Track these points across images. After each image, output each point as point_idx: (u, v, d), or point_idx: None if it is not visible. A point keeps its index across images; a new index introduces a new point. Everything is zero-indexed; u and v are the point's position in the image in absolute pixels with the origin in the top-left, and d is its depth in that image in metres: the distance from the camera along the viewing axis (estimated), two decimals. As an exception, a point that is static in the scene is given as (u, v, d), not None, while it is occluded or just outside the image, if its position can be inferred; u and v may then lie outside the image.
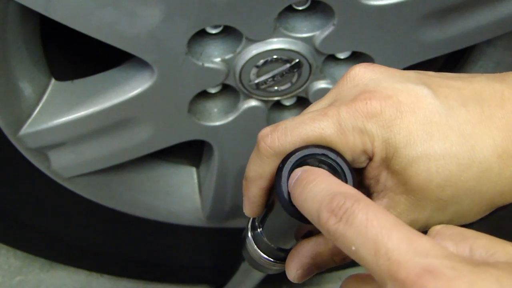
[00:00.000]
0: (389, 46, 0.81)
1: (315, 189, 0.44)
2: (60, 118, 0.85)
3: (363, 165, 0.53)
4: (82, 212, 1.03)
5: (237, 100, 0.87)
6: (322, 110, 0.52)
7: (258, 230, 0.60)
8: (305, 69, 0.81)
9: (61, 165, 0.92)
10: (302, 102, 0.90)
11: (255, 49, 0.78)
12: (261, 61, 0.79)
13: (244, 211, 0.58)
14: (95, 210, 1.02)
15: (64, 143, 0.89)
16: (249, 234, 0.62)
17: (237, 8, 0.72)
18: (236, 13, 0.73)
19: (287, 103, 0.90)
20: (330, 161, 0.51)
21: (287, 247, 0.58)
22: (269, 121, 0.89)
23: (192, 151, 1.06)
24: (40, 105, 0.86)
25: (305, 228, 0.54)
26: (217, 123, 0.89)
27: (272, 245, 0.59)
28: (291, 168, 0.51)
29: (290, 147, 0.52)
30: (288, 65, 0.81)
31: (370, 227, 0.39)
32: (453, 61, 0.97)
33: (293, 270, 0.55)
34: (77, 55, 0.95)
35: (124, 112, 0.85)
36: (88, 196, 1.00)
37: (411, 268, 0.37)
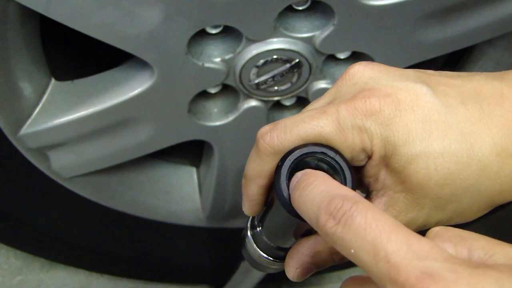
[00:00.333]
0: (389, 46, 0.81)
1: (314, 191, 0.44)
2: (60, 118, 0.85)
3: (362, 163, 0.53)
4: (82, 212, 1.03)
5: (237, 100, 0.87)
6: (321, 108, 0.52)
7: (258, 229, 0.60)
8: (305, 69, 0.81)
9: (61, 165, 0.92)
10: (302, 102, 0.90)
11: (255, 49, 0.78)
12: (261, 61, 0.79)
13: (243, 209, 0.58)
14: (95, 210, 1.02)
15: (64, 143, 0.89)
16: (249, 233, 0.62)
17: (237, 8, 0.72)
18: (236, 13, 0.73)
19: (287, 103, 0.90)
20: (329, 160, 0.51)
21: (286, 246, 0.58)
22: (269, 121, 0.89)
23: (192, 151, 1.06)
24: (40, 105, 0.86)
25: (304, 227, 0.54)
26: (217, 123, 0.89)
27: (272, 244, 0.59)
28: (290, 166, 0.51)
29: (289, 145, 0.52)
30: (288, 65, 0.81)
31: (369, 229, 0.39)
32: (453, 61, 0.97)
33: (292, 268, 0.55)
34: (77, 55, 0.95)
35: (124, 112, 0.85)
36: (88, 196, 1.00)
37: (410, 271, 0.36)
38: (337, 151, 0.51)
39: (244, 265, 0.70)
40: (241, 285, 0.86)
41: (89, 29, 0.73)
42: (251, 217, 0.62)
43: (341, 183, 0.51)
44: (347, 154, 0.52)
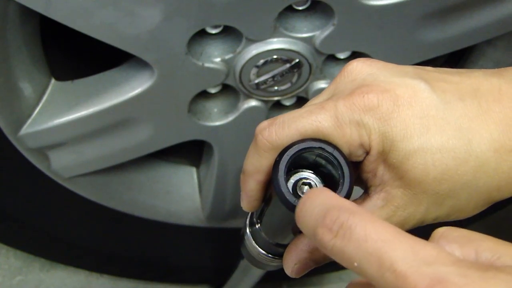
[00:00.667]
0: (389, 46, 0.81)
1: (310, 205, 0.43)
2: (60, 118, 0.85)
3: (360, 158, 0.53)
4: (82, 212, 1.03)
5: (237, 100, 0.87)
6: (319, 104, 0.52)
7: (256, 226, 0.60)
8: (305, 69, 0.81)
9: (61, 165, 0.92)
10: (302, 102, 0.90)
11: (255, 49, 0.78)
12: (261, 61, 0.79)
13: (241, 205, 0.58)
14: (95, 210, 1.02)
15: (64, 143, 0.89)
16: (247, 231, 0.62)
17: (237, 8, 0.72)
18: (236, 13, 0.73)
19: (287, 103, 0.90)
20: (327, 155, 0.51)
21: (285, 242, 0.58)
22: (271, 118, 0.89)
23: (192, 151, 1.06)
24: (40, 105, 0.86)
25: None
26: (217, 123, 0.89)
27: (270, 241, 0.59)
28: (288, 161, 0.51)
29: (287, 141, 0.52)
30: (288, 65, 0.81)
31: (370, 241, 0.38)
32: (453, 61, 0.97)
33: (291, 264, 0.55)
34: (77, 55, 0.95)
35: (124, 112, 0.85)
36: (88, 196, 1.00)
37: (419, 279, 0.35)
38: (335, 146, 0.51)
39: (243, 263, 0.70)
40: (241, 284, 0.86)
41: (89, 29, 0.73)
42: (249, 215, 0.62)
43: (339, 178, 0.51)
44: (345, 150, 0.52)
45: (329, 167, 0.52)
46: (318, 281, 1.30)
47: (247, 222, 0.62)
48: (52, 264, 1.23)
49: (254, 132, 0.53)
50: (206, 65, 0.79)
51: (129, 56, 0.80)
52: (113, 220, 1.04)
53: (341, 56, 0.84)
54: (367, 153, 0.52)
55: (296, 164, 0.52)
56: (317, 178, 0.53)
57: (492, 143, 0.51)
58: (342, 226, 0.39)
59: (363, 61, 0.55)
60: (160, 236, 1.10)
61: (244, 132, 0.90)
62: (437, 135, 0.50)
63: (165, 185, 1.06)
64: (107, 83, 0.85)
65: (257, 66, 0.80)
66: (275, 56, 0.79)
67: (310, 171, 0.53)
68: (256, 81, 0.82)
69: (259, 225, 0.60)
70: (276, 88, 0.84)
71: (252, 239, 0.61)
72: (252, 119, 0.88)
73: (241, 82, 0.82)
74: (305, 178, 0.53)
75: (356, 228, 0.38)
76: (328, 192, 0.44)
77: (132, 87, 0.83)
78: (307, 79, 0.83)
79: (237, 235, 0.65)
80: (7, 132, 0.84)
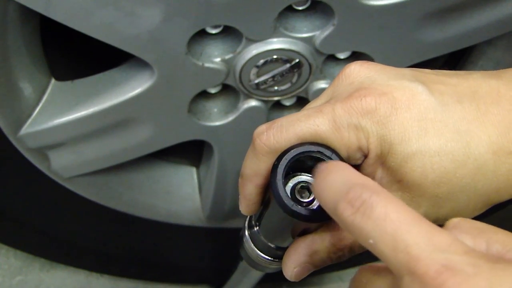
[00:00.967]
0: (389, 46, 0.81)
1: (333, 179, 0.43)
2: (60, 118, 0.85)
3: (359, 162, 0.53)
4: (82, 212, 1.03)
5: (237, 100, 0.87)
6: (317, 108, 0.52)
7: (255, 228, 0.60)
8: (305, 69, 0.81)
9: (61, 165, 0.92)
10: (302, 102, 0.90)
11: (255, 49, 0.78)
12: (261, 61, 0.79)
13: (240, 208, 0.58)
14: (95, 210, 1.02)
15: (64, 143, 0.89)
16: (246, 233, 0.62)
17: (237, 8, 0.72)
18: (236, 13, 0.73)
19: (287, 103, 0.90)
20: (325, 158, 0.51)
21: (284, 245, 0.58)
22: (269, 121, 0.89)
23: (192, 151, 1.06)
24: (40, 105, 0.86)
25: (302, 226, 0.54)
26: (217, 123, 0.89)
27: (269, 244, 0.59)
28: (286, 165, 0.51)
29: (285, 145, 0.52)
30: (288, 65, 0.81)
31: (389, 221, 0.38)
32: (453, 61, 0.97)
33: (290, 268, 0.55)
34: (77, 55, 0.95)
35: (124, 112, 0.85)
36: (88, 196, 1.00)
37: (430, 264, 0.36)
38: (333, 150, 0.51)
39: (242, 265, 0.70)
40: (240, 285, 0.85)
41: (89, 29, 0.73)
42: (248, 217, 0.62)
43: None
44: (343, 153, 0.52)
45: None
46: (318, 281, 1.30)
47: (246, 224, 0.62)
48: (52, 264, 1.23)
49: (252, 135, 0.53)
50: (206, 65, 0.79)
51: (129, 56, 0.80)
52: (113, 220, 1.04)
53: (341, 56, 0.84)
54: (365, 156, 0.52)
55: (295, 167, 0.52)
56: None
57: (491, 146, 0.51)
58: (364, 203, 0.39)
59: (361, 64, 0.55)
60: (160, 236, 1.10)
61: (244, 132, 0.90)
62: (435, 138, 0.50)
63: (165, 185, 1.06)
64: (107, 83, 0.85)
65: (257, 66, 0.80)
66: (275, 56, 0.79)
67: (309, 175, 0.53)
68: (256, 81, 0.82)
69: (257, 227, 0.60)
70: (276, 88, 0.84)
71: (251, 242, 0.61)
72: (252, 119, 0.88)
73: (241, 82, 0.82)
74: (304, 181, 0.53)
75: (377, 207, 0.39)
76: (351, 169, 0.44)
77: (132, 87, 0.83)
78: (307, 79, 0.83)
79: (237, 235, 0.65)
80: (7, 132, 0.84)
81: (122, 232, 1.09)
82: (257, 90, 0.84)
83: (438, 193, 0.51)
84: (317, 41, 0.78)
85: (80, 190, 0.98)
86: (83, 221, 1.06)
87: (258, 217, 0.59)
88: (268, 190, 0.55)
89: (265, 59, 0.79)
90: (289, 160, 0.51)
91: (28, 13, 0.75)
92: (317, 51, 0.80)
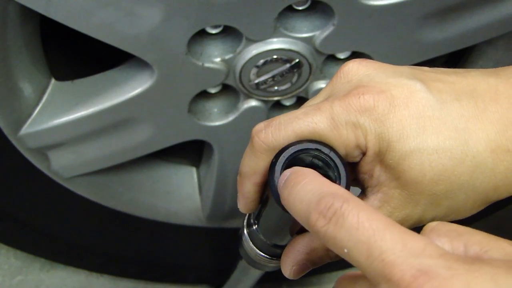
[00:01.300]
0: (389, 46, 0.81)
1: (303, 190, 0.43)
2: (60, 118, 0.85)
3: (357, 159, 0.53)
4: (82, 212, 1.03)
5: (237, 100, 0.87)
6: (315, 105, 0.52)
7: (254, 227, 0.60)
8: (305, 69, 0.81)
9: (61, 165, 0.92)
10: (302, 102, 0.89)
11: (255, 49, 0.78)
12: (261, 61, 0.79)
13: (238, 207, 0.58)
14: (95, 210, 1.02)
15: (64, 143, 0.89)
16: (245, 231, 0.62)
17: (237, 8, 0.72)
18: (236, 13, 0.73)
19: (287, 103, 0.90)
20: (323, 156, 0.51)
21: (282, 243, 0.58)
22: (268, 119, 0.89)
23: (192, 151, 1.06)
24: (40, 105, 0.86)
25: (300, 224, 0.54)
26: (217, 123, 0.89)
27: (268, 242, 0.59)
28: (284, 163, 0.51)
29: (283, 142, 0.52)
30: (288, 65, 0.81)
31: (362, 229, 0.38)
32: (453, 61, 0.97)
33: (288, 266, 0.55)
34: (77, 55, 0.95)
35: (124, 112, 0.85)
36: (88, 196, 1.00)
37: (406, 269, 0.36)
38: (331, 148, 0.51)
39: (242, 264, 0.70)
40: (239, 284, 0.85)
41: (89, 29, 0.73)
42: (247, 215, 0.62)
43: (335, 179, 0.51)
44: (341, 151, 0.52)
45: (326, 168, 0.52)
46: (318, 281, 1.30)
47: (245, 223, 0.62)
48: (52, 264, 1.23)
49: (251, 133, 0.53)
50: (206, 65, 0.79)
51: (129, 56, 0.80)
52: (113, 220, 1.04)
53: (341, 56, 0.84)
54: (364, 154, 0.52)
55: (293, 165, 0.52)
56: None
57: (489, 143, 0.51)
58: (336, 212, 0.40)
59: (359, 62, 0.55)
60: (160, 236, 1.10)
61: (244, 132, 0.89)
62: (433, 136, 0.50)
63: (165, 185, 1.06)
64: (107, 83, 0.85)
65: (257, 66, 0.80)
66: (275, 56, 0.79)
67: None
68: (256, 81, 0.82)
69: (256, 226, 0.60)
70: (276, 88, 0.84)
71: (249, 240, 0.61)
72: (252, 119, 0.88)
73: (241, 82, 0.82)
74: None
75: (349, 216, 0.39)
76: (318, 176, 0.45)
77: (132, 87, 0.83)
78: (307, 79, 0.83)
79: (237, 235, 0.65)
80: (7, 132, 0.84)
81: (122, 232, 1.09)
82: (257, 90, 0.84)
83: (436, 191, 0.51)
84: (317, 41, 0.78)
85: (80, 190, 0.98)
86: (83, 221, 1.06)
87: (257, 215, 0.59)
88: (266, 188, 0.55)
89: (265, 59, 0.79)
90: (287, 158, 0.51)
91: (28, 13, 0.75)
92: (317, 51, 0.80)
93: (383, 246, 0.37)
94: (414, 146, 0.50)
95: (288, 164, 0.51)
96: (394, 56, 0.82)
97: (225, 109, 0.89)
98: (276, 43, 0.78)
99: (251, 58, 0.79)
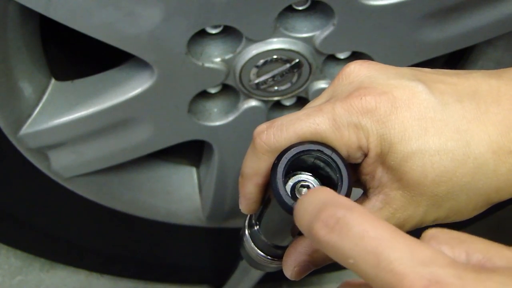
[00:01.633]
0: (389, 46, 0.81)
1: (307, 201, 0.42)
2: (60, 118, 0.85)
3: (359, 161, 0.53)
4: (82, 212, 1.03)
5: (237, 100, 0.87)
6: (317, 107, 0.52)
7: (255, 227, 0.60)
8: (305, 69, 0.81)
9: (61, 165, 0.92)
10: (302, 102, 0.90)
11: (255, 49, 0.78)
12: (261, 61, 0.79)
13: (240, 207, 0.58)
14: (95, 210, 1.02)
15: (64, 143, 0.89)
16: (246, 232, 0.62)
17: (237, 8, 0.72)
18: (236, 13, 0.73)
19: (287, 103, 0.90)
20: (325, 157, 0.51)
21: (284, 244, 0.58)
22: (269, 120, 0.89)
23: (192, 151, 1.06)
24: (40, 105, 0.86)
25: None
26: (217, 123, 0.89)
27: (269, 243, 0.59)
28: (286, 164, 0.51)
29: (285, 143, 0.52)
30: (288, 65, 0.81)
31: (368, 238, 0.37)
32: (453, 61, 0.97)
33: (290, 267, 0.55)
34: (77, 55, 0.95)
35: (124, 112, 0.85)
36: (88, 196, 1.00)
37: (416, 279, 0.35)
38: (333, 149, 0.51)
39: (242, 264, 0.70)
40: (240, 285, 0.85)
41: (89, 29, 0.73)
42: (248, 216, 0.62)
43: (337, 181, 0.51)
44: (343, 152, 0.52)
45: (328, 169, 0.52)
46: (318, 281, 1.30)
47: (246, 223, 0.62)
48: (52, 264, 1.23)
49: (252, 135, 0.53)
50: (206, 65, 0.79)
51: (129, 56, 0.80)
52: (113, 220, 1.04)
53: (341, 56, 0.84)
54: (365, 155, 0.52)
55: (295, 166, 0.52)
56: (315, 180, 0.53)
57: (491, 145, 0.51)
58: (339, 221, 0.38)
59: (361, 64, 0.55)
60: (160, 236, 1.10)
61: (244, 132, 0.90)
62: (435, 137, 0.50)
63: (165, 185, 1.06)
64: (107, 83, 0.85)
65: (257, 66, 0.80)
66: (275, 56, 0.79)
67: (309, 174, 0.53)
68: (256, 81, 0.82)
69: (257, 227, 0.60)
70: (276, 88, 0.84)
71: (251, 241, 0.61)
72: (252, 119, 0.88)
73: (241, 82, 0.82)
74: (304, 180, 0.53)
75: (354, 225, 0.38)
76: (325, 189, 0.43)
77: (132, 87, 0.83)
78: (307, 79, 0.83)
79: (237, 235, 0.65)
80: (7, 132, 0.84)
81: (122, 232, 1.09)
82: (257, 90, 0.84)
83: (438, 192, 0.51)
84: (317, 41, 0.78)
85: (80, 190, 0.98)
86: (83, 221, 1.06)
87: (258, 216, 0.59)
88: (268, 189, 0.55)
89: (265, 59, 0.79)
90: (289, 159, 0.51)
91: (28, 13, 0.75)
92: (317, 51, 0.80)
93: (391, 255, 0.36)
94: (416, 147, 0.50)
95: (290, 165, 0.51)
96: (394, 56, 0.82)
97: (225, 109, 0.89)
98: (276, 43, 0.78)
99: (251, 58, 0.79)
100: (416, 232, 0.48)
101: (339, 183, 0.50)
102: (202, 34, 0.77)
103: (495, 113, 0.51)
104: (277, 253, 0.60)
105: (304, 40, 0.78)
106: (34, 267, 1.23)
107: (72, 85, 0.87)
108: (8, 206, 0.98)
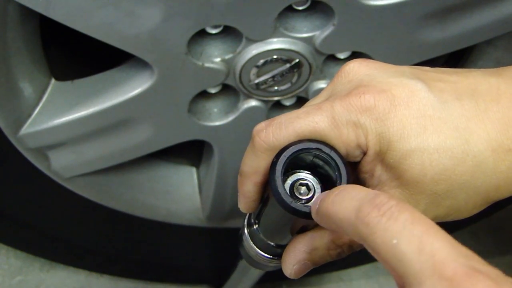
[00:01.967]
0: (389, 46, 0.81)
1: (355, 191, 0.45)
2: (60, 118, 0.85)
3: (358, 159, 0.53)
4: (82, 212, 1.03)
5: (237, 100, 0.87)
6: (316, 105, 0.52)
7: (254, 226, 0.60)
8: (305, 69, 0.81)
9: (61, 165, 0.92)
10: (302, 102, 0.90)
11: (255, 49, 0.78)
12: (261, 61, 0.79)
13: (239, 206, 0.58)
14: (95, 210, 1.02)
15: (64, 143, 0.89)
16: (245, 231, 0.62)
17: (237, 8, 0.72)
18: (236, 13, 0.73)
19: (287, 103, 0.90)
20: (324, 155, 0.51)
21: (283, 243, 0.58)
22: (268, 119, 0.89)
23: (192, 151, 1.06)
24: (40, 105, 0.86)
25: (300, 223, 0.54)
26: (217, 123, 0.89)
27: (268, 241, 0.59)
28: (285, 162, 0.51)
29: (284, 142, 0.52)
30: (288, 65, 0.81)
31: (417, 224, 0.40)
32: (453, 61, 0.97)
33: (289, 265, 0.55)
34: (77, 55, 0.95)
35: (124, 112, 0.85)
36: (88, 196, 1.00)
37: (458, 267, 0.37)
38: (332, 147, 0.51)
39: (242, 263, 0.70)
40: (240, 284, 0.86)
41: (89, 29, 0.73)
42: (247, 215, 0.62)
43: (336, 179, 0.51)
44: (342, 150, 0.52)
45: (327, 167, 0.52)
46: (318, 281, 1.30)
47: (245, 222, 0.62)
48: (52, 264, 1.23)
49: (251, 133, 0.53)
50: (206, 65, 0.79)
51: (129, 56, 0.80)
52: (113, 220, 1.04)
53: (341, 56, 0.84)
54: (364, 153, 0.52)
55: (294, 165, 0.52)
56: (314, 179, 0.53)
57: (490, 143, 0.51)
58: (391, 208, 0.41)
59: (360, 62, 0.55)
60: (160, 236, 1.10)
61: (244, 132, 0.90)
62: (434, 135, 0.51)
63: (165, 185, 1.06)
64: (107, 83, 0.85)
65: (257, 66, 0.80)
66: (275, 56, 0.79)
67: (308, 172, 0.53)
68: (256, 81, 0.82)
69: (257, 225, 0.60)
70: (276, 88, 0.84)
71: (250, 240, 0.61)
72: (252, 119, 0.88)
73: (241, 82, 0.82)
74: (303, 179, 0.53)
75: (405, 212, 0.41)
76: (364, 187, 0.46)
77: (132, 87, 0.83)
78: (307, 79, 0.83)
79: (237, 235, 0.65)
80: (7, 132, 0.84)
81: (122, 232, 1.09)
82: (257, 90, 0.84)
83: (437, 190, 0.51)
84: (317, 41, 0.78)
85: (80, 190, 0.98)
86: (83, 221, 1.06)
87: (257, 215, 0.59)
88: (267, 187, 0.55)
89: (265, 59, 0.79)
90: (288, 157, 0.51)
91: (28, 13, 0.75)
92: (317, 51, 0.80)
93: (435, 243, 0.39)
94: (415, 145, 0.50)
95: (289, 164, 0.51)
96: (394, 56, 0.82)
97: (225, 109, 0.89)
98: (276, 43, 0.78)
99: (251, 58, 0.79)
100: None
101: (338, 181, 0.51)
102: (202, 34, 0.77)
103: (494, 111, 0.52)
104: (276, 251, 0.60)
105: (304, 40, 0.78)
106: (34, 267, 1.23)
107: (72, 85, 0.87)
108: (8, 206, 0.98)
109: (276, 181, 0.50)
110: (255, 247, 0.61)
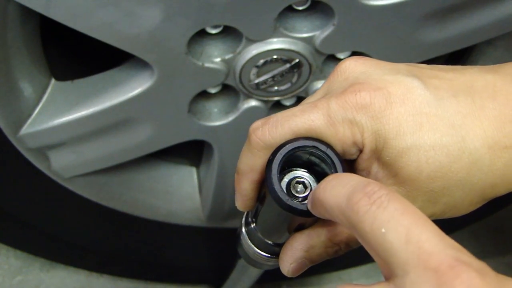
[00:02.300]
0: (389, 46, 0.81)
1: (347, 179, 0.45)
2: (60, 118, 0.85)
3: (354, 157, 0.53)
4: (82, 212, 1.03)
5: (237, 100, 0.87)
6: (312, 103, 0.52)
7: (252, 225, 0.60)
8: (305, 69, 0.81)
9: (61, 165, 0.92)
10: (302, 102, 0.90)
11: (255, 49, 0.78)
12: (261, 61, 0.79)
13: (236, 204, 0.59)
14: (95, 210, 1.02)
15: (64, 143, 0.89)
16: (243, 230, 0.62)
17: (237, 8, 0.72)
18: (236, 13, 0.73)
19: (287, 103, 0.90)
20: (320, 153, 0.51)
21: (281, 241, 0.58)
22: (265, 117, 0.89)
23: (192, 151, 1.06)
24: (40, 105, 0.86)
25: (297, 221, 0.54)
26: (217, 123, 0.89)
27: (266, 240, 0.59)
28: (281, 160, 0.51)
29: (280, 140, 0.52)
30: (288, 65, 0.81)
31: (406, 214, 0.40)
32: (453, 61, 0.97)
33: (287, 264, 0.55)
34: (77, 55, 0.95)
35: (124, 112, 0.85)
36: (88, 196, 1.00)
37: (444, 258, 0.38)
38: (328, 145, 0.51)
39: (240, 262, 0.70)
40: (239, 283, 0.86)
41: (89, 29, 0.73)
42: (245, 214, 0.62)
43: None
44: (338, 148, 0.52)
45: (323, 165, 0.52)
46: (318, 280, 1.30)
47: (243, 221, 0.62)
48: (52, 264, 1.23)
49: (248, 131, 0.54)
50: (206, 65, 0.79)
51: (129, 56, 0.80)
52: (113, 220, 1.04)
53: (341, 56, 0.84)
54: (361, 151, 0.52)
55: (290, 163, 0.52)
56: (311, 176, 0.53)
57: (486, 140, 0.51)
58: (382, 197, 0.41)
59: (356, 60, 0.55)
60: (160, 236, 1.10)
61: (244, 132, 0.89)
62: (430, 132, 0.51)
63: (165, 185, 1.06)
64: (107, 83, 0.85)
65: (257, 66, 0.80)
66: (275, 56, 0.79)
67: (304, 170, 0.53)
68: (256, 81, 0.82)
69: (254, 224, 0.60)
70: (276, 88, 0.84)
71: (248, 239, 0.61)
72: (252, 119, 0.87)
73: (241, 82, 0.82)
74: (299, 176, 0.53)
75: (395, 202, 0.41)
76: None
77: (132, 87, 0.83)
78: (307, 79, 0.83)
79: (235, 234, 0.65)
80: (7, 132, 0.84)
81: (122, 232, 1.09)
82: (257, 90, 0.84)
83: (433, 188, 0.51)
84: (317, 41, 0.78)
85: (80, 190, 0.98)
86: (83, 221, 1.06)
87: (255, 213, 0.59)
88: (264, 185, 0.55)
89: (265, 59, 0.79)
90: (284, 155, 0.51)
91: (28, 13, 0.75)
92: (317, 51, 0.80)
93: (422, 234, 0.39)
94: (411, 143, 0.50)
95: (285, 162, 0.51)
96: (394, 56, 0.82)
97: (225, 109, 0.89)
98: (276, 43, 0.78)
99: (251, 58, 0.79)
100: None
101: None
102: (202, 34, 0.77)
103: (491, 108, 0.51)
104: (274, 250, 0.60)
105: (304, 40, 0.78)
106: (34, 267, 1.23)
107: (72, 85, 0.87)
108: (8, 206, 0.98)
109: (273, 179, 0.50)
110: (253, 246, 0.61)
